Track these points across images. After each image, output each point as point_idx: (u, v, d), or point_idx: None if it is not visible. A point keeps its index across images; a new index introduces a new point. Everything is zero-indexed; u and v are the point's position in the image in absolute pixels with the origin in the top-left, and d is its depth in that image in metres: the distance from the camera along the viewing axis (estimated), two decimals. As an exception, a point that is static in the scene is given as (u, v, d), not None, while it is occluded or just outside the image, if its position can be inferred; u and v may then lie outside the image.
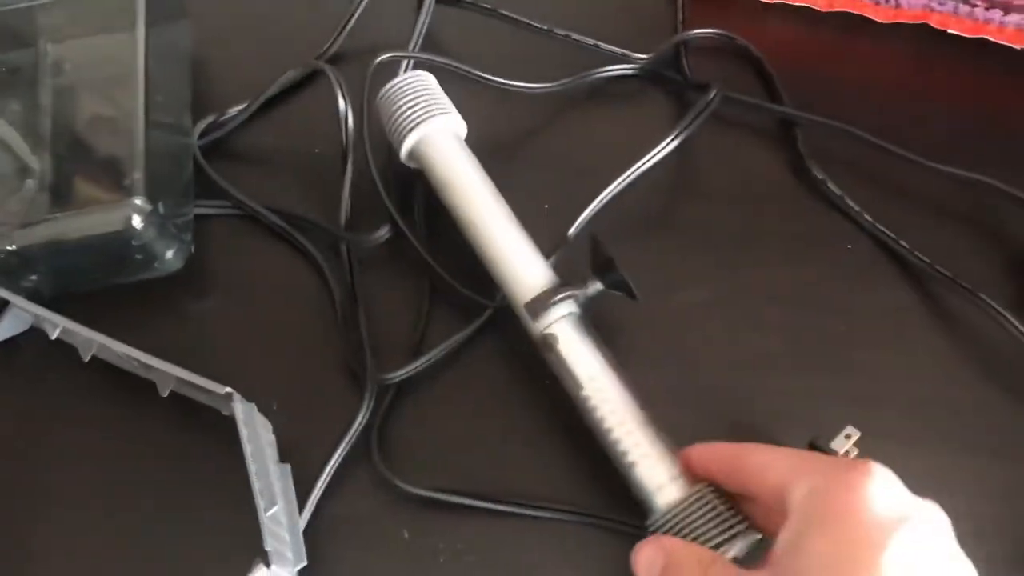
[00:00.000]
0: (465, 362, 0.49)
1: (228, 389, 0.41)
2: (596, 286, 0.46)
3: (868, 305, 0.51)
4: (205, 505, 0.45)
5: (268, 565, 0.37)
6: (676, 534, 0.41)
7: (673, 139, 0.52)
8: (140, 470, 0.46)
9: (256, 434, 0.40)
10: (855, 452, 0.45)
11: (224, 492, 0.44)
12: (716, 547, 0.40)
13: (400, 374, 0.47)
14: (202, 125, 0.54)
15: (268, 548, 0.37)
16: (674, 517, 0.41)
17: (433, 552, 0.44)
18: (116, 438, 0.47)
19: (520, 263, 0.47)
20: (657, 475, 0.42)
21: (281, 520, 0.40)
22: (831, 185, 0.53)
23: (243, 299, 0.51)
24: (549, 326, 0.45)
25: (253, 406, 0.42)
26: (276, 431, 0.46)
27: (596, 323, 0.47)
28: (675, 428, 0.45)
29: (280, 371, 0.49)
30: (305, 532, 0.44)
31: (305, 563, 0.42)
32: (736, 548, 0.40)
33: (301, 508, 0.43)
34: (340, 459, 0.45)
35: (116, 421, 0.47)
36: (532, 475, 0.46)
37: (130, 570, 0.44)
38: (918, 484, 0.45)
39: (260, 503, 0.38)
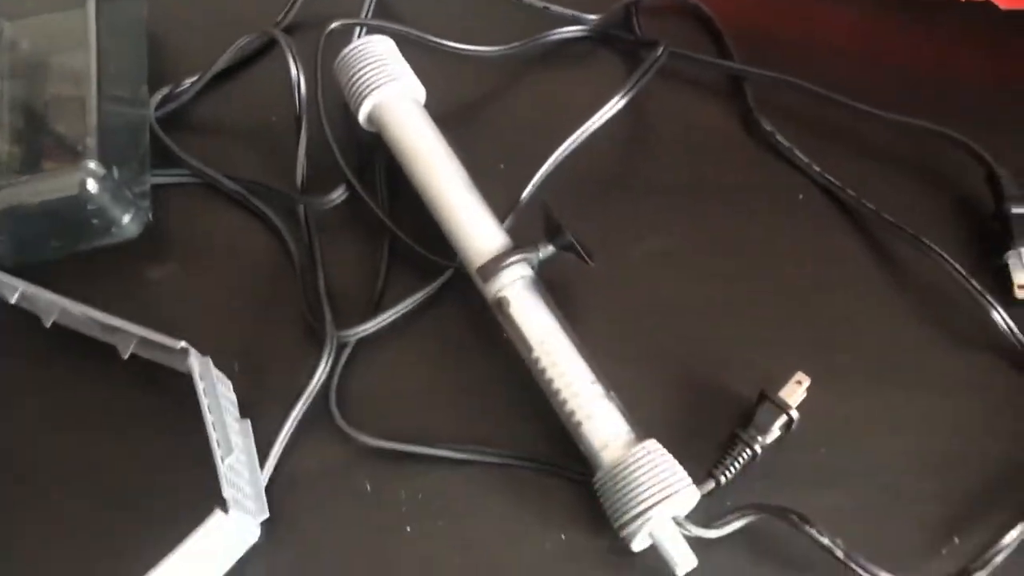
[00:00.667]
0: (424, 321, 0.50)
1: (183, 343, 0.42)
2: (548, 249, 0.46)
3: (818, 253, 0.52)
4: (167, 463, 0.45)
5: (226, 511, 0.37)
6: (619, 490, 0.42)
7: (621, 97, 0.53)
8: (103, 432, 0.47)
9: (212, 387, 0.41)
10: (804, 396, 0.46)
11: (186, 450, 0.44)
12: (656, 503, 0.41)
13: (359, 330, 0.48)
14: (159, 96, 0.54)
15: (226, 495, 0.38)
16: (618, 474, 0.42)
17: (395, 502, 0.45)
18: (78, 402, 0.48)
19: (474, 227, 0.47)
20: (602, 434, 0.43)
21: (240, 471, 0.41)
22: (780, 137, 0.54)
23: (202, 265, 0.51)
24: (501, 289, 0.46)
25: (208, 360, 0.43)
26: (238, 392, 0.47)
27: (552, 277, 0.48)
28: (629, 380, 0.46)
29: (241, 333, 0.49)
30: (268, 487, 0.44)
31: (267, 515, 0.43)
32: (676, 505, 0.41)
33: (263, 463, 0.44)
34: (301, 414, 0.46)
35: (78, 385, 0.48)
36: (491, 427, 0.47)
37: (92, 527, 0.45)
38: (869, 424, 0.47)
39: (217, 452, 0.39)
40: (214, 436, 0.39)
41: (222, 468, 0.38)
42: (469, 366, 0.49)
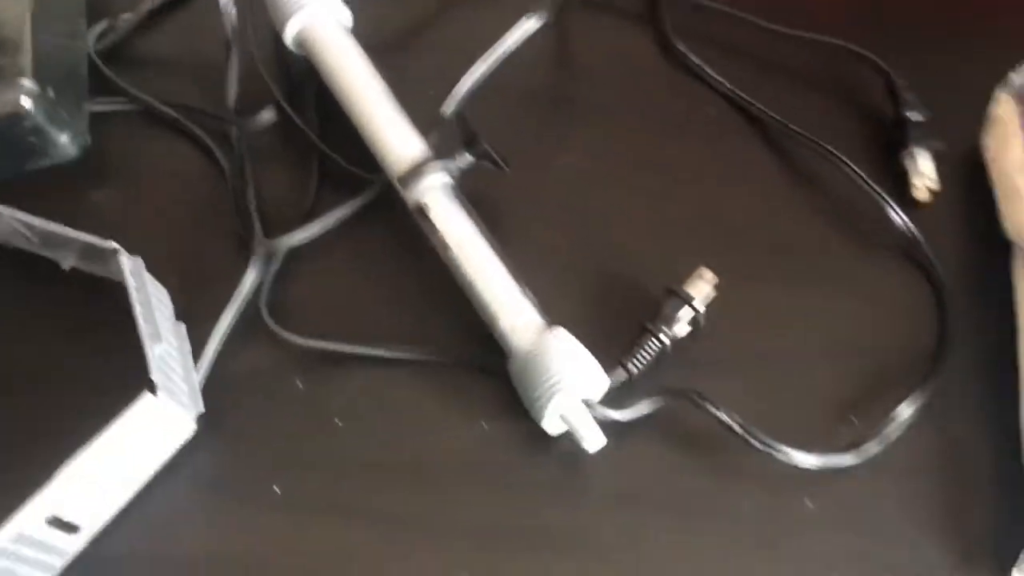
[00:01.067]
0: (355, 233, 0.52)
1: (113, 244, 0.44)
2: (465, 158, 0.49)
3: (728, 164, 0.55)
4: (104, 372, 0.46)
5: (154, 393, 0.40)
6: (530, 372, 0.44)
7: (531, 16, 0.55)
8: (40, 343, 0.49)
9: (143, 285, 0.43)
10: (713, 294, 0.48)
11: (122, 356, 0.45)
12: (564, 381, 0.43)
13: (287, 239, 0.50)
14: (97, 29, 0.56)
15: (154, 378, 0.40)
16: (529, 358, 0.44)
17: (326, 400, 0.48)
18: (17, 314, 0.50)
19: (395, 138, 0.50)
20: (515, 324, 0.46)
21: (172, 365, 0.43)
22: (694, 57, 0.57)
23: (141, 187, 0.54)
24: (422, 195, 0.48)
25: (140, 260, 0.45)
26: (178, 307, 0.49)
27: (475, 190, 0.50)
28: (546, 283, 0.48)
29: (179, 252, 0.51)
30: (204, 389, 0.47)
31: (202, 410, 0.46)
32: (584, 387, 0.44)
33: (198, 364, 0.46)
34: (234, 318, 0.48)
35: (18, 299, 0.50)
36: (416, 328, 0.49)
37: (25, 426, 0.47)
38: (775, 318, 0.49)
39: (146, 339, 0.41)
40: (143, 325, 0.41)
41: (151, 354, 0.40)
42: (397, 273, 0.51)
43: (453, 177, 0.49)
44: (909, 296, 0.51)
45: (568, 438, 0.45)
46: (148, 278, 0.45)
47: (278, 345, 0.48)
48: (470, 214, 0.48)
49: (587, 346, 0.45)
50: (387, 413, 0.47)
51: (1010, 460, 0.45)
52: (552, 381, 0.43)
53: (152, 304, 0.43)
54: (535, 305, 0.46)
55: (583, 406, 0.44)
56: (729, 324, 0.49)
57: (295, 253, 0.51)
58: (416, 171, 0.48)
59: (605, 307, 0.50)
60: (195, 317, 0.49)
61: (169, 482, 0.45)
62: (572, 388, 0.43)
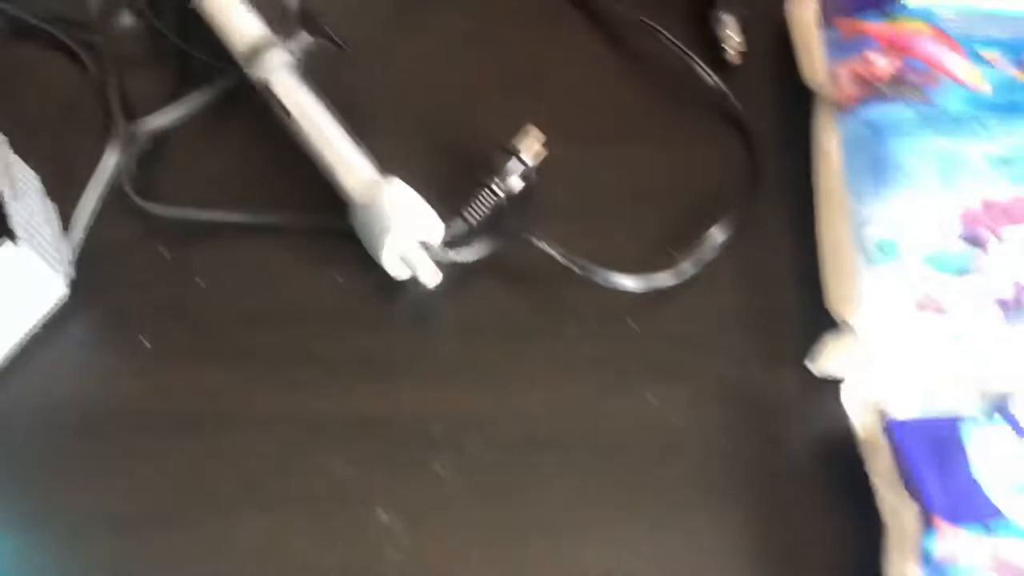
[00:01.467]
0: (218, 118, 0.57)
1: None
2: (304, 37, 0.54)
3: (559, 40, 0.60)
4: None
5: (14, 241, 0.43)
6: (370, 221, 0.49)
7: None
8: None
9: (5, 159, 0.47)
10: (544, 153, 0.53)
11: None
12: (398, 224, 0.48)
13: (147, 120, 0.54)
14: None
15: (13, 229, 0.44)
16: (368, 207, 0.49)
17: (190, 265, 0.52)
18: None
19: (240, 24, 0.55)
20: (354, 179, 0.50)
21: (38, 227, 0.47)
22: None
23: (11, 94, 0.57)
24: (265, 73, 0.53)
25: (3, 138, 0.49)
26: (53, 196, 0.52)
27: (329, 78, 0.54)
28: (392, 151, 0.52)
29: (50, 147, 0.54)
30: (77, 262, 0.51)
31: (73, 276, 0.49)
32: (421, 230, 0.49)
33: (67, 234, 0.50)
34: (101, 193, 0.52)
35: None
36: (272, 197, 0.54)
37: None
38: (600, 172, 0.54)
39: (6, 198, 0.44)
40: (4, 188, 0.45)
41: (9, 208, 0.44)
42: (257, 153, 0.55)
43: (295, 56, 0.53)
44: (723, 147, 0.56)
45: (416, 284, 0.49)
46: (13, 157, 0.49)
47: (144, 219, 0.52)
48: (309, 88, 0.53)
49: (431, 203, 0.50)
50: (246, 273, 0.52)
51: (809, 273, 0.51)
52: (386, 222, 0.48)
53: (14, 176, 0.47)
54: (374, 164, 0.51)
55: (420, 247, 0.49)
56: (561, 178, 0.54)
57: (163, 138, 0.55)
58: (259, 51, 0.52)
59: (448, 170, 0.54)
60: (69, 202, 0.53)
61: (46, 342, 0.49)
62: (405, 227, 0.48)
